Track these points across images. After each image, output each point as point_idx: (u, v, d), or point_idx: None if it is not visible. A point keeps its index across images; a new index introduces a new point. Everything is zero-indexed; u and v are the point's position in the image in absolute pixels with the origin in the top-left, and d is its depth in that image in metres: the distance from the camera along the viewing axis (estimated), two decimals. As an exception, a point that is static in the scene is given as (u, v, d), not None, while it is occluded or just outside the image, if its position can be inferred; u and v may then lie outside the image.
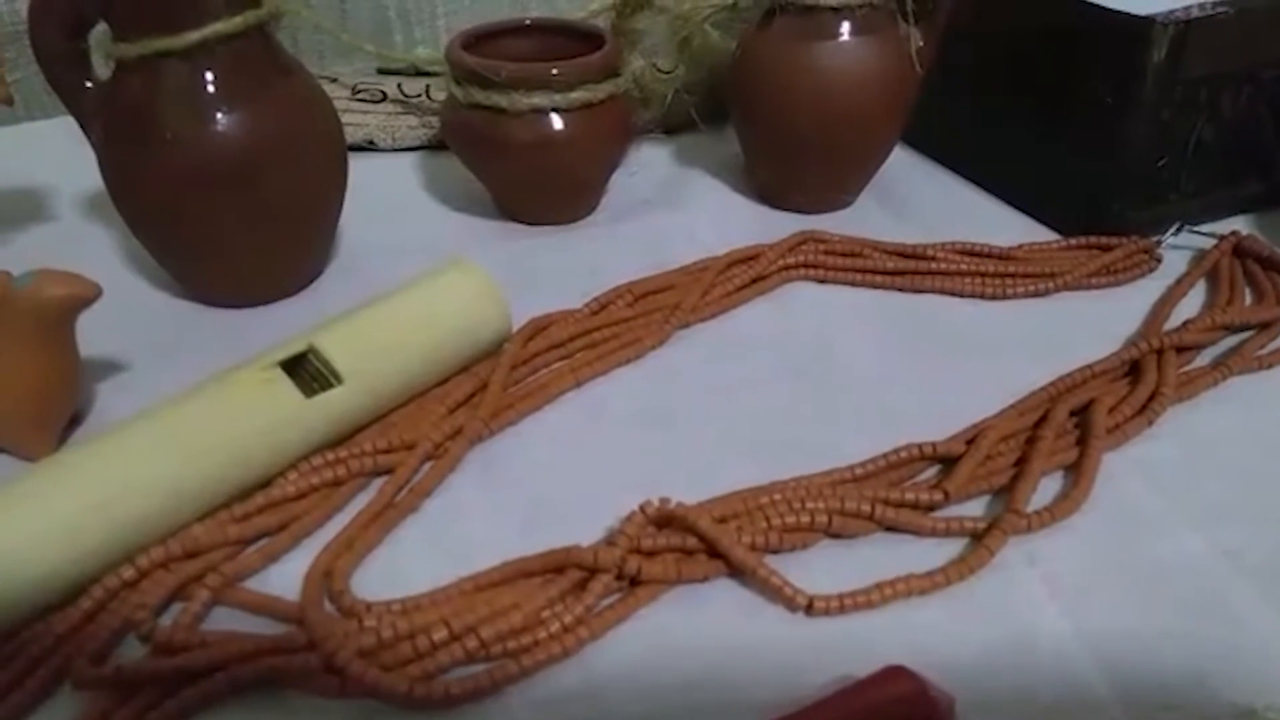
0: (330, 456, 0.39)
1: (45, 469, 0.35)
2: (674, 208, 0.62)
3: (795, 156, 0.58)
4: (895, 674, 0.29)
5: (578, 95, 0.54)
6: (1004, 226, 0.58)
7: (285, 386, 0.39)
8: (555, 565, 0.35)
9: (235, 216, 0.47)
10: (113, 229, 0.57)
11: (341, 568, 0.35)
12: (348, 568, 0.35)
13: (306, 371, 0.40)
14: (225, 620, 0.34)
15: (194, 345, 0.48)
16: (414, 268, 0.46)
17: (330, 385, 0.40)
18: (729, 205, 0.62)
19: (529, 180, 0.57)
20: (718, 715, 0.31)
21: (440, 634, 0.32)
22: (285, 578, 0.35)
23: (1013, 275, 0.52)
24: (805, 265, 0.53)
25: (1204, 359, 0.47)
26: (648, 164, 0.66)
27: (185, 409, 0.38)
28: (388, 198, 0.62)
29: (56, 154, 0.65)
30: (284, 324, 0.45)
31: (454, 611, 0.33)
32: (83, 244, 0.56)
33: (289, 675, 0.31)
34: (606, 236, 0.59)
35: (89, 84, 0.47)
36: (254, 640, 0.31)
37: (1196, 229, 0.55)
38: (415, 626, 0.32)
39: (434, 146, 0.68)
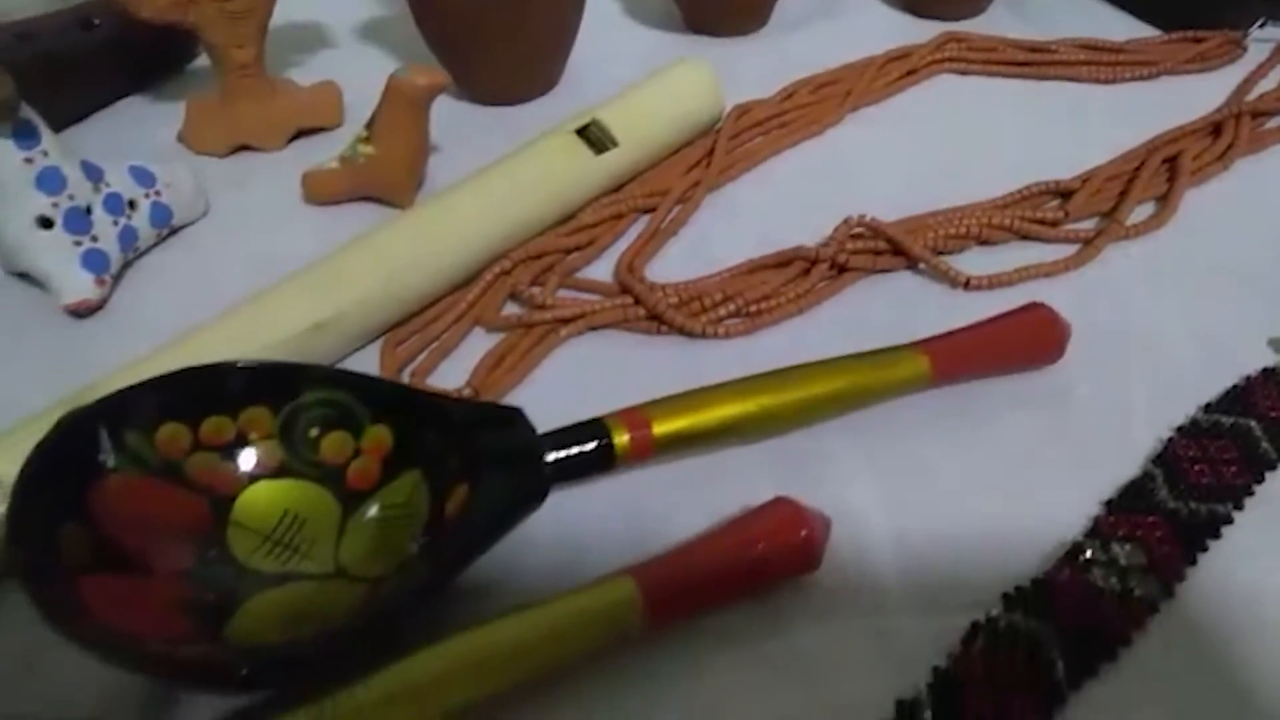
0: (613, 198, 0.55)
1: (423, 212, 0.51)
2: (832, 19, 0.74)
3: (939, -30, 0.70)
4: (1033, 305, 0.44)
5: (760, -77, 0.66)
6: (1114, 26, 0.70)
7: (580, 147, 0.54)
8: (786, 259, 0.50)
9: (508, 30, 0.62)
10: (391, 51, 0.72)
11: (638, 265, 0.51)
12: (641, 265, 0.51)
13: (590, 138, 0.55)
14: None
15: (473, 132, 0.63)
16: (626, 74, 0.59)
17: (608, 147, 0.55)
18: (879, 15, 0.75)
19: (716, -2, 0.70)
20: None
21: (716, 296, 0.48)
22: (598, 273, 0.51)
23: (1121, 64, 0.64)
24: (949, 60, 0.66)
25: (1276, 124, 0.59)
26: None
27: (512, 165, 0.53)
28: (595, 19, 0.75)
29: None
30: (540, 118, 0.59)
31: (720, 286, 0.49)
32: (372, 62, 0.71)
33: (625, 320, 0.47)
34: (777, 45, 0.72)
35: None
36: (598, 301, 0.48)
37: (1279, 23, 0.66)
38: (700, 292, 0.48)
39: (621, -23, 0.81)
